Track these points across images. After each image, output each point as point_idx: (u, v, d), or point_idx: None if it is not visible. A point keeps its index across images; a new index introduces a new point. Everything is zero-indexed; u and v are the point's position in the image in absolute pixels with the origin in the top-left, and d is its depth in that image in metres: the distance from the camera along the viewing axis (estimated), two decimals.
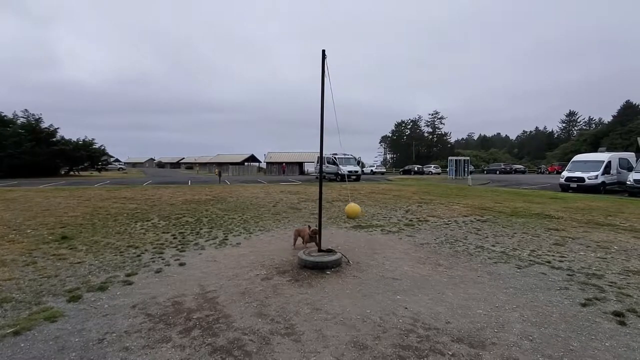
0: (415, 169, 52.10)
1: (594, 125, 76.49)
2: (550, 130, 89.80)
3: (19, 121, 34.53)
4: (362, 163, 50.14)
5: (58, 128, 36.09)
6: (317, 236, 5.04)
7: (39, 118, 35.24)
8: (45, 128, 35.02)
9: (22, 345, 2.62)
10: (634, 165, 18.02)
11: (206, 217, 8.60)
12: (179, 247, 5.67)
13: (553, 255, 5.16)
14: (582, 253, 5.31)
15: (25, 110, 35.25)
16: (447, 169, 35.93)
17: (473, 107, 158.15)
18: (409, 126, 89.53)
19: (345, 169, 26.91)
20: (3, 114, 33.92)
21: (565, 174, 18.06)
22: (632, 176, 15.39)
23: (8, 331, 2.81)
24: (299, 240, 5.58)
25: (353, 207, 5.09)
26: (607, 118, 68.05)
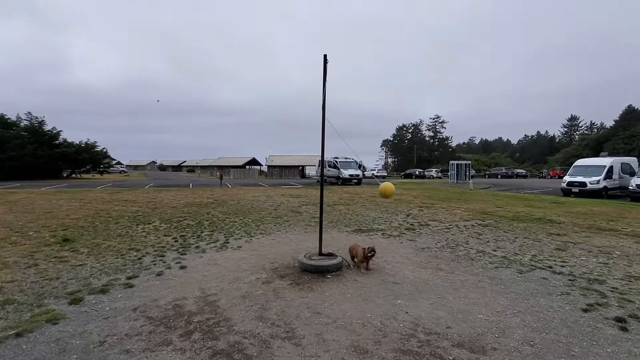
0: (417, 173, 52.04)
1: (595, 130, 76.27)
2: (552, 135, 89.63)
3: (22, 124, 34.81)
4: (363, 167, 50.09)
5: (61, 131, 36.40)
6: (372, 255, 4.58)
7: (42, 121, 35.54)
8: (48, 131, 35.26)
9: (24, 347, 2.63)
10: (636, 170, 17.99)
11: (207, 220, 8.61)
12: (180, 250, 5.69)
13: (554, 260, 5.14)
14: (583, 258, 5.29)
15: (29, 112, 35.62)
16: (449, 173, 35.88)
17: (474, 111, 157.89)
18: (410, 130, 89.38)
19: (346, 172, 26.94)
20: (6, 117, 34.21)
21: (567, 178, 18.01)
22: (635, 181, 15.35)
23: (10, 333, 2.82)
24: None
25: (387, 187, 4.82)
26: (609, 123, 67.85)
